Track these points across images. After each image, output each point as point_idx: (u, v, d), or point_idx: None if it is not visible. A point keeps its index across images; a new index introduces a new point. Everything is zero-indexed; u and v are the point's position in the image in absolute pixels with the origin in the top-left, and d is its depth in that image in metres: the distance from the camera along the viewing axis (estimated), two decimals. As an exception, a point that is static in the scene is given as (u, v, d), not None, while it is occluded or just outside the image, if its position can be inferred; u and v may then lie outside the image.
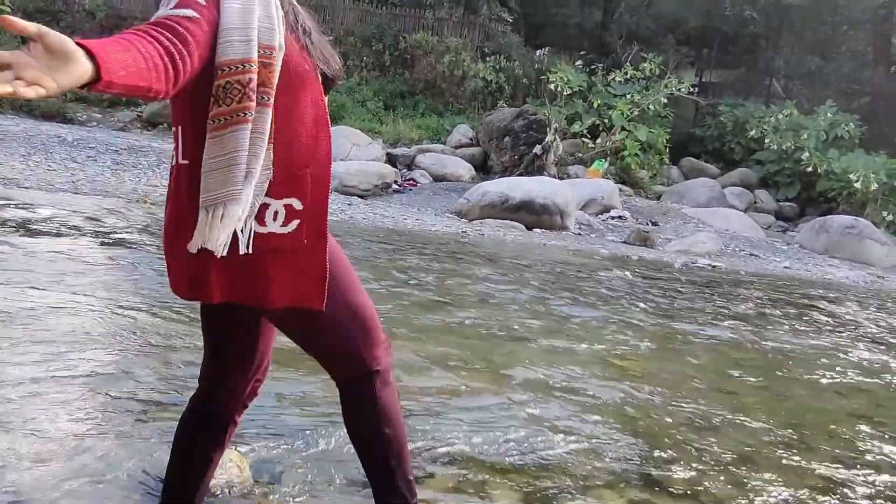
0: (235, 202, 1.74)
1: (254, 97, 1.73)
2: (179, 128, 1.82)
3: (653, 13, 25.49)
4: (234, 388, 2.12)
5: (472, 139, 16.85)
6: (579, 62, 20.26)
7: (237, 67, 1.70)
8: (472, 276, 7.14)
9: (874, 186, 15.81)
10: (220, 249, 1.77)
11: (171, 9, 1.64)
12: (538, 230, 11.73)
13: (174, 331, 4.18)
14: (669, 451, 3.43)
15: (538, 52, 23.33)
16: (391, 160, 15.22)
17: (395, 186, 13.85)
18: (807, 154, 17.55)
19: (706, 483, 3.14)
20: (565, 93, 17.98)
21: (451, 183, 14.65)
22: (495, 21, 21.00)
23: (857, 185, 15.92)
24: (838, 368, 5.54)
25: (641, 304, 6.91)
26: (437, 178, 14.98)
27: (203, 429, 2.13)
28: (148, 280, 5.21)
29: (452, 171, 15.29)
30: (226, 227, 1.74)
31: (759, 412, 4.19)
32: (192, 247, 1.77)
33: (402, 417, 2.07)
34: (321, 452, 2.96)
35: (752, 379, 4.93)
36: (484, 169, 16.11)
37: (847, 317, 7.93)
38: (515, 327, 5.40)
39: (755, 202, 17.86)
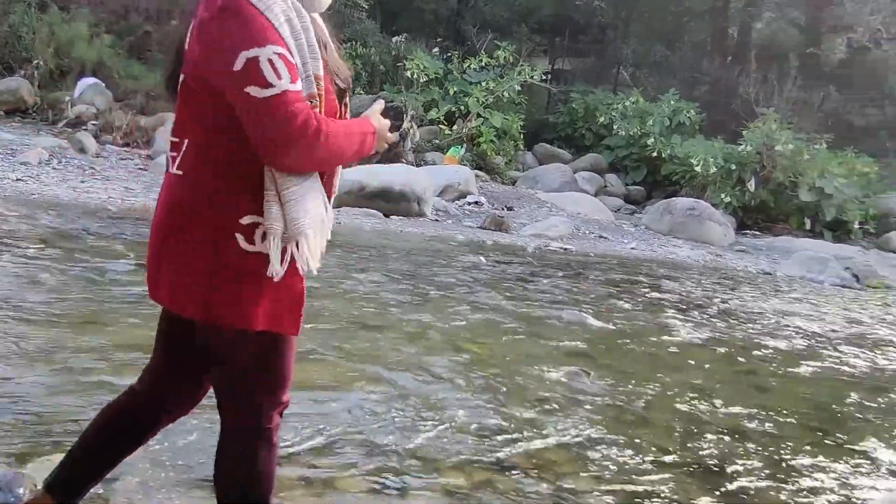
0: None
1: None
2: (183, 140, 1.83)
3: (507, 2, 25.97)
4: (171, 405, 2.11)
5: (329, 126, 16.71)
6: (436, 49, 20.42)
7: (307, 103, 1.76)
8: (327, 265, 7.12)
9: (713, 170, 16.70)
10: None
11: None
12: (396, 217, 11.80)
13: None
14: (516, 433, 3.57)
15: (395, 39, 23.37)
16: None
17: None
18: (652, 140, 18.35)
19: (551, 458, 3.29)
20: (422, 80, 18.11)
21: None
22: (351, 7, 20.84)
23: (698, 168, 16.77)
24: (676, 343, 5.88)
25: (494, 289, 7.09)
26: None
27: (123, 428, 2.10)
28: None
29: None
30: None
31: (603, 390, 4.40)
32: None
33: (273, 477, 2.00)
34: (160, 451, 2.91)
35: (597, 357, 5.17)
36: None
37: (686, 293, 8.40)
38: (369, 315, 5.45)
39: (605, 186, 18.54)
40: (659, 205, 15.69)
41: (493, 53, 18.82)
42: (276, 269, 1.79)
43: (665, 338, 6.02)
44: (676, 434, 3.83)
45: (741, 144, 17.00)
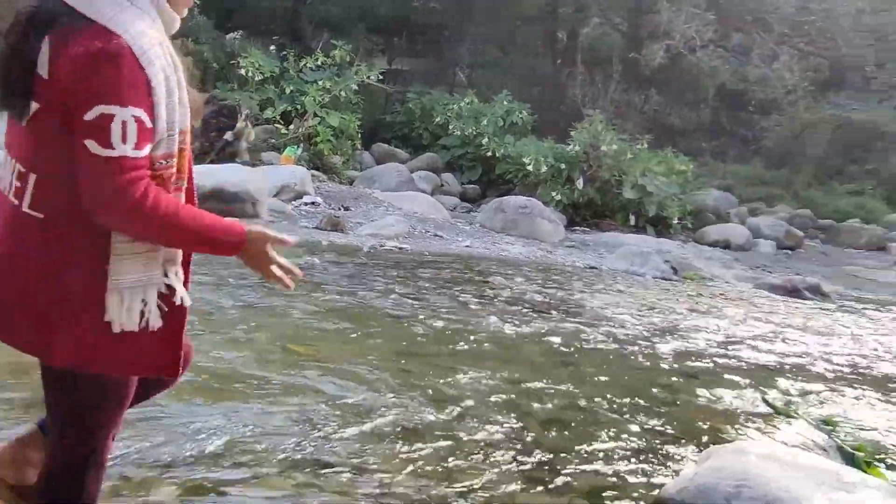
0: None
1: (172, 188, 1.81)
2: (29, 173, 1.72)
3: (343, 1, 25.91)
4: None
5: (159, 125, 16.15)
6: (272, 47, 20.11)
7: (162, 163, 1.76)
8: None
9: (544, 169, 17.33)
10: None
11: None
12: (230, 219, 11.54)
13: None
14: (339, 433, 3.61)
15: (229, 36, 22.83)
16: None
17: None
18: (486, 139, 18.83)
19: (368, 459, 3.35)
20: (257, 78, 17.81)
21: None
22: (181, 2, 20.21)
23: (530, 167, 17.36)
24: (503, 337, 6.09)
25: (325, 290, 7.10)
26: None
27: None
28: None
29: (138, 158, 14.58)
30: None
31: (424, 386, 4.51)
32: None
33: None
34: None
35: (424, 354, 5.29)
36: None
37: (516, 289, 8.70)
38: (196, 321, 5.34)
39: (442, 185, 18.86)
40: (493, 203, 16.13)
41: (329, 53, 18.74)
42: None
43: (492, 333, 6.22)
44: (499, 428, 3.98)
45: (570, 144, 17.74)
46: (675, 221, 17.67)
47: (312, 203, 13.95)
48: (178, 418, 3.49)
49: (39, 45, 1.67)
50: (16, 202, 1.74)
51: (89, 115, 1.64)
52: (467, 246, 12.38)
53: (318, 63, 18.61)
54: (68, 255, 1.75)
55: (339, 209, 13.99)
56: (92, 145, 1.65)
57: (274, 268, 1.96)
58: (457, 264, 10.13)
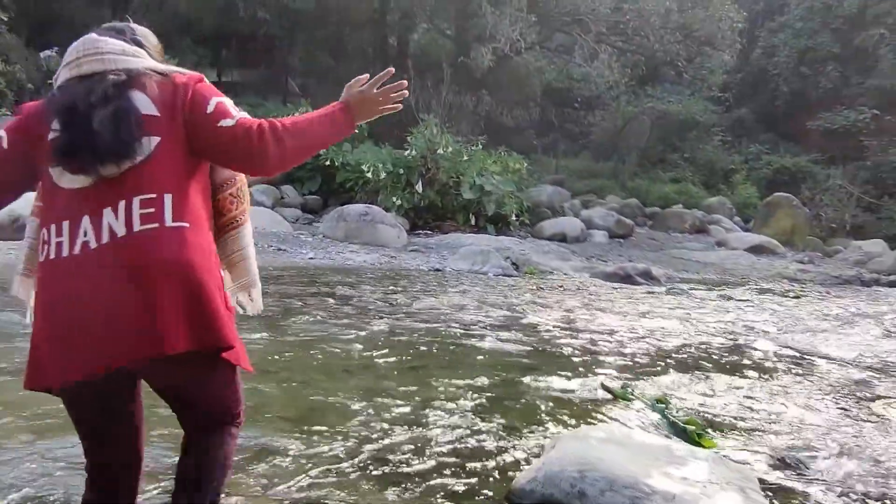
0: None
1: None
2: (165, 195, 1.96)
3: (167, 13, 25.12)
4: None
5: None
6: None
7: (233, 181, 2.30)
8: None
9: (383, 175, 17.48)
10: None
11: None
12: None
13: None
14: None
15: (44, 54, 21.66)
16: None
17: None
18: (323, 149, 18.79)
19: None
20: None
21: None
22: (-12, 20, 19.06)
23: (369, 175, 17.47)
24: (352, 348, 6.12)
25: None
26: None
27: None
28: None
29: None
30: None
31: (283, 401, 4.49)
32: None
33: None
34: None
35: (276, 370, 5.25)
36: None
37: (361, 297, 8.76)
38: None
39: (282, 197, 18.67)
40: (334, 212, 16.12)
41: (154, 68, 18.15)
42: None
43: (342, 345, 6.25)
44: (353, 437, 4.03)
45: (407, 150, 17.97)
46: (514, 218, 18.26)
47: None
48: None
49: (133, 100, 2.00)
50: (152, 224, 1.93)
51: (210, 108, 2.08)
52: (311, 258, 12.33)
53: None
54: (212, 251, 2.08)
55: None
56: (224, 122, 2.06)
57: (382, 103, 2.42)
58: (301, 277, 10.08)
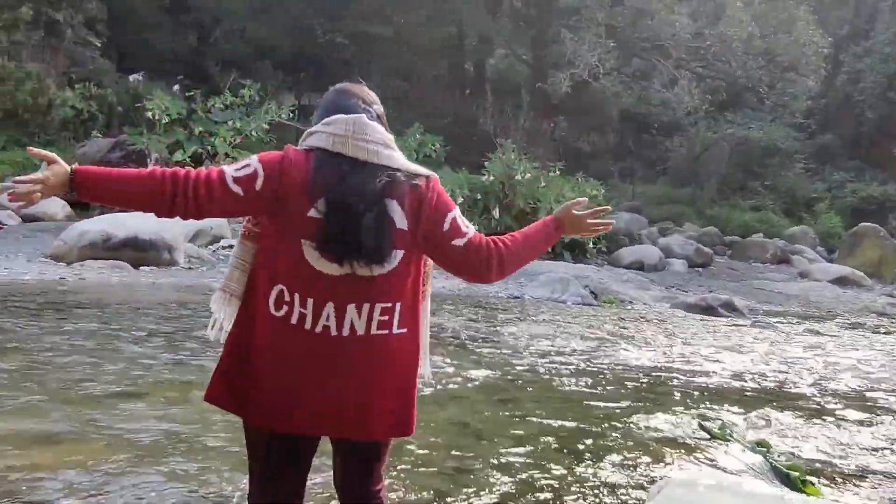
0: None
1: None
2: (397, 304, 2.18)
3: (248, 39, 25.71)
4: None
5: (64, 173, 15.69)
6: (176, 87, 19.78)
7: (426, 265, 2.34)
8: (71, 332, 6.69)
9: (460, 200, 17.45)
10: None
11: (232, 168, 2.14)
12: (146, 268, 11.30)
13: None
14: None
15: (132, 77, 22.39)
16: (-31, 202, 13.65)
17: (-24, 231, 12.47)
18: (400, 173, 18.92)
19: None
20: (164, 120, 17.49)
21: (44, 223, 13.53)
22: (82, 45, 19.78)
23: (448, 200, 17.51)
24: (440, 376, 6.07)
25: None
26: (27, 219, 13.75)
27: None
28: None
29: (44, 209, 14.12)
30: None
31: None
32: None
33: None
34: None
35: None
36: (81, 205, 15.08)
37: (442, 325, 8.72)
38: (126, 382, 5.19)
39: (359, 221, 18.83)
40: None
41: (237, 92, 18.58)
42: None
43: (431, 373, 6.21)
44: (446, 475, 3.99)
45: (484, 175, 17.97)
46: (591, 246, 18.04)
47: (230, 246, 13.72)
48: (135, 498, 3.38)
49: (391, 212, 2.15)
50: (384, 331, 2.18)
51: (446, 226, 2.23)
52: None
53: (227, 103, 18.42)
54: (418, 350, 2.29)
55: (258, 251, 13.81)
56: (456, 242, 2.24)
57: (592, 227, 2.49)
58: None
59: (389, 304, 2.16)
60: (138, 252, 11.56)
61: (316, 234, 2.09)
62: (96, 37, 20.31)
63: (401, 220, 2.15)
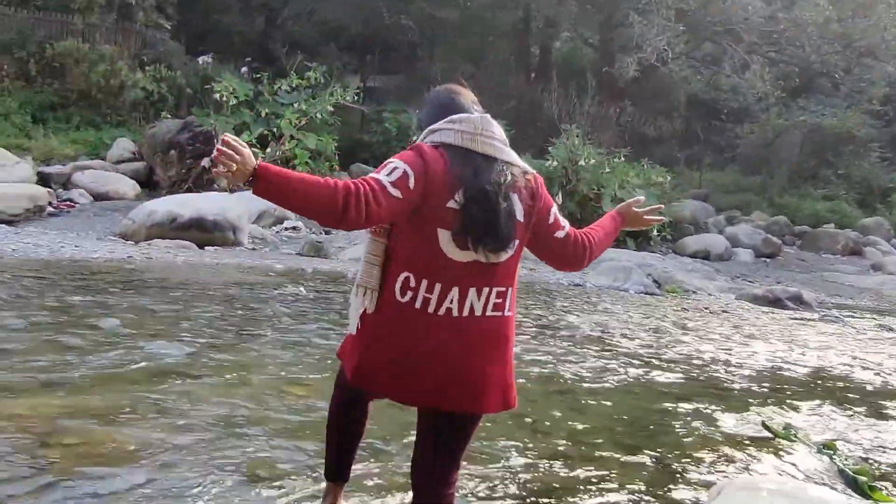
0: None
1: None
2: (509, 289, 2.42)
3: (315, 21, 25.88)
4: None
5: (135, 153, 16.05)
6: (244, 69, 19.99)
7: None
8: (139, 308, 6.83)
9: (523, 185, 17.38)
10: None
11: (382, 174, 2.24)
12: (211, 248, 11.48)
13: None
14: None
15: (201, 59, 22.73)
16: (44, 180, 14.04)
17: (49, 209, 12.82)
18: (465, 157, 18.86)
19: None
20: (231, 102, 17.72)
21: (115, 202, 13.84)
22: (153, 28, 20.12)
23: (510, 184, 17.39)
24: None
25: (317, 321, 7.04)
26: (99, 197, 14.09)
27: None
28: None
29: (115, 188, 14.47)
30: None
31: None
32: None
33: None
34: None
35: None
36: (150, 185, 15.41)
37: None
38: (185, 363, 5.26)
39: (422, 204, 18.84)
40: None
41: (303, 74, 18.72)
42: None
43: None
44: (501, 465, 3.95)
45: (548, 160, 17.80)
46: (655, 233, 17.75)
47: (293, 228, 13.89)
48: (178, 479, 3.42)
49: (514, 205, 2.38)
50: (498, 313, 2.39)
51: (551, 219, 2.55)
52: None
53: (293, 85, 18.57)
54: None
55: (321, 233, 13.92)
56: (559, 234, 2.55)
57: (648, 222, 2.94)
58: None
59: (504, 289, 2.38)
60: (204, 232, 11.75)
61: (454, 223, 2.27)
62: (166, 19, 20.64)
63: (520, 213, 2.36)
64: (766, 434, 4.80)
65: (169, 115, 17.55)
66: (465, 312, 2.31)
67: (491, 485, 3.68)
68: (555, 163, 17.58)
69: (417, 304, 2.28)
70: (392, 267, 2.34)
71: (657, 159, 22.34)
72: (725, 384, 6.25)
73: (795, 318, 10.87)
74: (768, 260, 19.05)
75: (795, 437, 4.74)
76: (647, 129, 24.64)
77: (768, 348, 8.08)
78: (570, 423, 4.81)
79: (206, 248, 11.39)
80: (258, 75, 19.40)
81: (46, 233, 11.06)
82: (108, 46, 18.38)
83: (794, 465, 4.30)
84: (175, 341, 5.79)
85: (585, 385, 5.85)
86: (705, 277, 14.47)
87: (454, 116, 2.36)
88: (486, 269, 2.32)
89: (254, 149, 17.02)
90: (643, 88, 24.51)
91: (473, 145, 2.32)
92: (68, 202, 13.53)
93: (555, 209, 2.55)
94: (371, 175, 2.24)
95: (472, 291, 2.31)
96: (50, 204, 12.97)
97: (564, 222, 2.56)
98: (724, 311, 10.85)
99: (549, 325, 8.23)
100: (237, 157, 2.07)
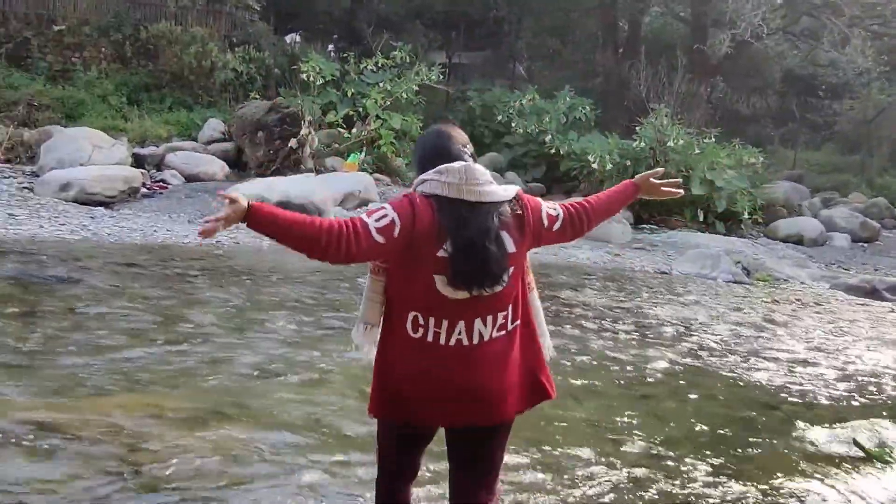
0: None
1: None
2: (510, 305, 2.57)
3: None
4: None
5: (224, 134, 16.35)
6: (330, 48, 20.08)
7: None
8: (224, 302, 6.98)
9: (609, 166, 17.07)
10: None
11: (371, 219, 2.39)
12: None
13: None
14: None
15: (289, 38, 22.99)
16: (138, 161, 14.44)
17: (143, 190, 13.18)
18: (549, 137, 18.64)
19: None
20: (318, 82, 17.90)
21: (205, 183, 14.16)
22: (242, 9, 20.41)
23: (595, 165, 17.11)
24: (579, 367, 5.96)
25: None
26: (190, 178, 14.41)
27: None
28: None
29: (206, 169, 14.77)
30: None
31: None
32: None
33: None
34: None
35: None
36: (239, 165, 15.71)
37: (588, 304, 8.56)
38: (274, 360, 5.36)
39: (506, 185, 18.71)
40: (559, 204, 15.94)
41: (389, 54, 18.75)
42: None
43: (566, 360, 6.10)
44: (574, 482, 3.90)
45: (635, 140, 17.44)
46: (745, 217, 17.21)
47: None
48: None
49: (505, 243, 2.49)
50: (502, 332, 2.57)
51: (545, 221, 2.65)
52: (535, 252, 12.23)
53: (379, 64, 18.64)
54: (533, 334, 2.69)
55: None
56: (556, 226, 2.68)
57: (665, 193, 3.03)
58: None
59: (507, 310, 2.56)
60: (290, 216, 11.92)
61: (446, 271, 2.43)
62: (255, 1, 20.88)
63: (511, 245, 2.50)
64: (859, 452, 4.62)
65: (258, 96, 17.83)
66: (475, 340, 2.51)
67: (559, 498, 3.65)
68: (642, 143, 17.21)
69: (429, 338, 2.49)
70: (396, 305, 2.56)
71: (749, 138, 21.63)
72: (815, 391, 6.03)
73: (895, 312, 10.42)
74: (866, 245, 18.27)
75: (890, 456, 4.55)
76: (740, 107, 23.90)
77: (864, 349, 7.76)
78: (649, 431, 4.72)
79: (292, 231, 11.57)
80: (344, 55, 19.50)
81: (140, 216, 11.40)
82: (199, 28, 18.71)
83: (885, 489, 4.12)
84: (265, 337, 5.90)
85: (670, 389, 5.74)
86: (797, 265, 13.98)
87: (441, 167, 2.49)
88: (487, 299, 2.49)
89: (339, 129, 17.38)
90: (736, 64, 23.71)
91: (459, 194, 2.46)
92: (161, 183, 13.89)
93: (543, 209, 2.66)
94: (362, 216, 2.42)
95: (477, 322, 2.51)
96: (144, 185, 13.32)
97: (556, 209, 2.70)
98: (816, 304, 10.48)
99: (632, 319, 8.09)
100: (216, 223, 2.25)
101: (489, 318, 2.52)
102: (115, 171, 12.95)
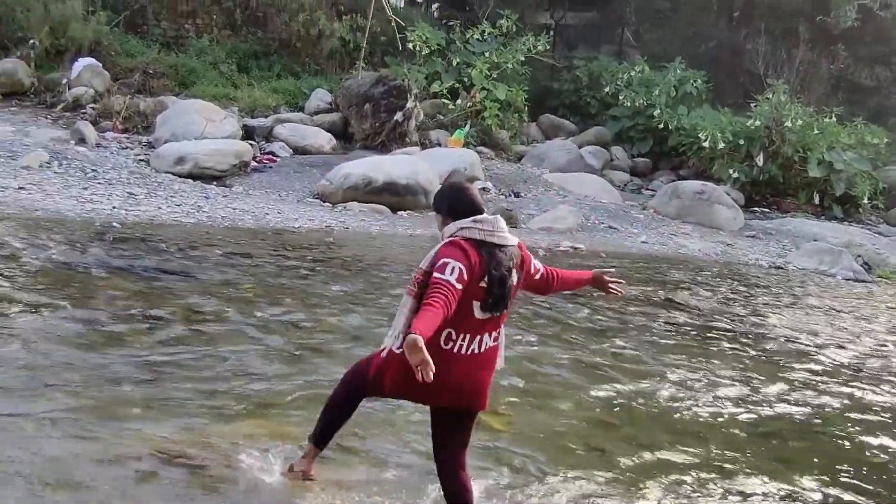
0: None
1: None
2: (497, 331, 3.35)
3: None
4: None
5: (330, 104, 16.44)
6: (434, 8, 19.75)
7: None
8: (336, 300, 7.00)
9: (721, 145, 16.48)
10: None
11: (452, 277, 3.07)
12: (403, 213, 11.67)
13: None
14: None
15: (393, 2, 22.82)
16: (248, 132, 14.67)
17: (253, 164, 13.40)
18: (658, 111, 18.07)
19: None
20: (424, 52, 17.77)
21: (313, 156, 14.28)
22: (350, -24, 20.34)
23: (705, 143, 16.54)
24: (691, 397, 5.72)
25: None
26: (298, 151, 14.57)
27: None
28: None
29: (313, 142, 14.90)
30: None
31: (626, 469, 4.29)
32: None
33: None
34: None
35: (620, 426, 5.04)
36: (345, 137, 15.80)
37: (700, 310, 8.29)
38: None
39: (611, 159, 18.33)
40: (667, 188, 15.54)
41: (496, 23, 18.45)
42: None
43: (682, 394, 5.86)
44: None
45: (749, 117, 16.75)
46: (865, 201, 16.40)
47: (483, 189, 13.84)
48: None
49: (513, 278, 3.27)
50: (495, 343, 3.34)
51: (533, 271, 3.42)
52: (643, 242, 11.97)
53: (486, 33, 18.37)
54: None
55: (510, 195, 13.84)
56: (538, 277, 3.47)
57: (609, 288, 3.76)
58: (635, 270, 9.73)
59: (499, 328, 3.35)
60: (395, 196, 11.96)
61: (482, 297, 3.18)
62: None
63: (516, 280, 3.30)
64: None
65: (364, 63, 17.85)
66: (482, 350, 3.28)
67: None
68: (758, 122, 16.51)
69: (455, 350, 3.22)
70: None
71: (870, 110, 20.56)
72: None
73: None
74: None
75: None
76: (863, 79, 22.65)
77: None
78: (777, 480, 4.52)
79: (399, 212, 11.58)
80: (447, 21, 19.23)
81: (251, 194, 11.58)
82: (306, -4, 18.75)
83: None
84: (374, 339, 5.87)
85: (797, 425, 5.47)
86: (923, 258, 13.28)
87: (478, 217, 3.26)
88: (493, 319, 3.26)
89: (444, 100, 17.23)
90: (861, 32, 22.42)
91: (492, 238, 3.21)
92: (270, 156, 14.07)
93: (535, 261, 3.45)
94: (445, 279, 3.05)
95: (485, 336, 3.27)
96: (254, 158, 13.55)
97: (539, 266, 3.50)
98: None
99: (748, 330, 7.79)
100: (419, 358, 2.84)
101: (493, 333, 3.31)
102: (227, 146, 13.18)
